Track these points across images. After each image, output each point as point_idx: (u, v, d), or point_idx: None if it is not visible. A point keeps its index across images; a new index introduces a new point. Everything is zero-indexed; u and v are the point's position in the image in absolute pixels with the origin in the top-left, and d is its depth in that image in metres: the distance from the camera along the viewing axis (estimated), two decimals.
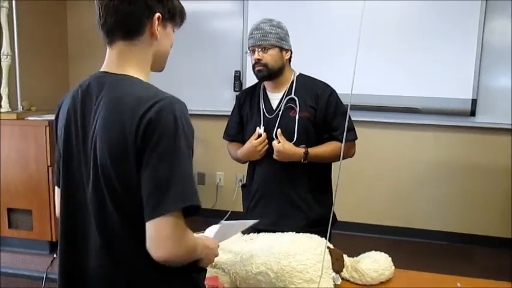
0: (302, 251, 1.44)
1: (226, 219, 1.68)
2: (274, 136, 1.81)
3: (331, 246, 1.55)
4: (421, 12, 3.31)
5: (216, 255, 1.20)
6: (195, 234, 1.28)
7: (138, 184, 0.95)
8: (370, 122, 3.46)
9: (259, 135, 1.84)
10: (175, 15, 1.10)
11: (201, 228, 1.53)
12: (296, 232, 1.59)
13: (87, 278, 1.05)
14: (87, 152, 1.01)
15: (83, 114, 1.04)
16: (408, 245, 3.41)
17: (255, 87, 1.98)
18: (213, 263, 1.32)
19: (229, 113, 2.07)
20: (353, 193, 3.50)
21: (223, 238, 1.32)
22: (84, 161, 1.02)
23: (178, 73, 3.64)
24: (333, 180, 1.96)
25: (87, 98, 1.04)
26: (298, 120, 1.82)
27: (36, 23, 3.69)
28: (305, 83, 1.89)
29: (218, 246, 1.21)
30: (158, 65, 1.12)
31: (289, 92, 1.88)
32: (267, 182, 1.91)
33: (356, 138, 1.91)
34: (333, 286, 1.43)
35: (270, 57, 1.80)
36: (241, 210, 2.04)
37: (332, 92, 1.87)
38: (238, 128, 2.00)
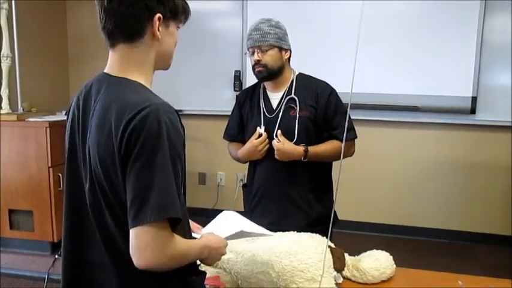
0: (303, 250, 1.44)
1: None
2: (274, 136, 1.82)
3: (333, 245, 1.56)
4: (420, 10, 3.30)
5: (223, 254, 1.20)
6: (203, 229, 1.28)
7: (123, 190, 0.95)
8: (370, 121, 3.46)
9: (260, 135, 1.84)
10: (177, 14, 1.08)
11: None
12: (297, 231, 1.59)
13: (90, 275, 1.07)
14: (85, 151, 1.03)
15: (83, 114, 1.06)
16: (409, 244, 3.41)
17: (255, 87, 1.99)
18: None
19: (230, 113, 2.07)
20: (354, 192, 3.50)
21: (235, 238, 1.33)
22: (83, 160, 1.04)
23: (179, 73, 3.63)
24: (333, 179, 1.96)
25: (88, 98, 1.05)
26: (299, 119, 1.82)
27: (36, 24, 3.69)
28: (305, 82, 1.90)
29: (226, 245, 1.20)
30: (163, 63, 1.12)
31: (289, 92, 1.88)
32: (268, 182, 1.91)
33: (356, 137, 1.91)
34: (334, 285, 1.43)
35: (269, 57, 1.80)
36: (242, 210, 2.04)
37: (332, 91, 1.87)
38: (238, 128, 2.00)
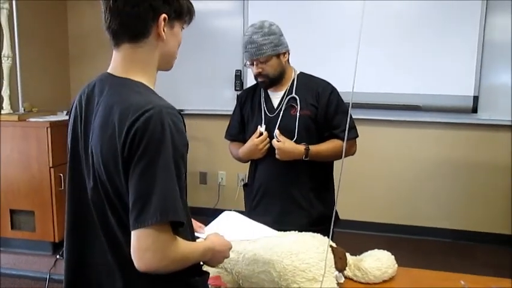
0: (305, 249, 1.44)
1: None
2: (274, 135, 1.81)
3: (334, 244, 1.55)
4: (422, 9, 3.30)
5: (226, 257, 1.20)
6: (205, 228, 1.27)
7: (126, 191, 0.95)
8: (372, 120, 3.46)
9: (261, 134, 1.84)
10: (182, 14, 1.08)
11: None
12: (298, 231, 1.59)
13: (93, 276, 1.06)
14: (87, 152, 1.02)
15: (86, 114, 1.05)
16: (411, 243, 3.40)
17: (256, 87, 1.99)
18: None
19: (231, 112, 2.07)
20: (355, 191, 3.50)
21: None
22: (86, 160, 1.03)
23: (179, 73, 3.63)
24: (334, 179, 1.96)
25: (91, 98, 1.05)
26: (299, 118, 1.82)
27: (37, 24, 3.69)
28: (306, 81, 1.89)
29: (230, 247, 1.20)
30: (166, 64, 1.11)
31: (290, 91, 1.88)
32: (269, 181, 1.91)
33: (357, 136, 1.91)
34: (335, 285, 1.43)
35: (269, 67, 1.81)
36: (243, 209, 2.04)
37: (333, 90, 1.87)
38: (239, 128, 2.00)
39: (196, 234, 1.19)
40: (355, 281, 1.53)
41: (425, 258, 3.05)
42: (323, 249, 1.43)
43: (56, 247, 2.98)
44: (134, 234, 0.92)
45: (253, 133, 1.86)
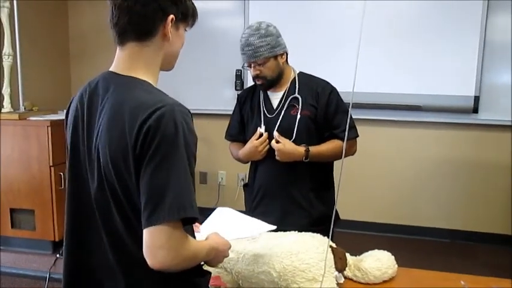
0: (305, 250, 1.43)
1: None
2: (274, 137, 1.81)
3: (334, 245, 1.55)
4: (422, 9, 3.29)
5: (226, 257, 1.20)
6: (200, 227, 1.27)
7: (136, 190, 0.94)
8: (372, 120, 3.46)
9: (261, 135, 1.83)
10: (187, 16, 1.09)
11: None
12: (299, 231, 1.59)
13: (91, 274, 1.06)
14: (91, 151, 1.01)
15: (89, 113, 1.04)
16: (411, 243, 3.40)
17: (255, 87, 1.98)
18: None
19: (231, 112, 2.06)
20: (355, 191, 3.50)
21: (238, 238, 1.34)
22: (89, 159, 1.02)
23: (180, 72, 3.59)
24: (334, 179, 1.96)
25: (94, 97, 1.04)
26: (299, 119, 1.82)
27: (38, 22, 3.69)
28: (306, 81, 1.89)
29: (230, 247, 1.21)
30: (168, 64, 1.12)
31: (290, 91, 1.87)
32: (269, 181, 1.90)
33: (357, 135, 1.90)
34: (335, 285, 1.43)
35: (267, 69, 1.80)
36: (243, 209, 2.04)
37: (332, 90, 1.86)
38: (239, 128, 2.00)
39: None
40: (355, 281, 1.53)
41: (426, 259, 3.05)
42: (323, 250, 1.43)
43: (56, 246, 2.99)
44: (147, 232, 0.92)
45: (253, 134, 1.86)
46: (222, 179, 3.91)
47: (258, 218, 1.53)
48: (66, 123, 1.13)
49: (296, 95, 1.85)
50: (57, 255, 2.91)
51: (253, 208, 1.96)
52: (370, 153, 3.35)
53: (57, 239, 2.96)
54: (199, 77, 3.77)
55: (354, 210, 3.46)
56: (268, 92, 1.92)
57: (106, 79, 1.05)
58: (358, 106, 3.27)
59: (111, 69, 1.07)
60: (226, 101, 3.61)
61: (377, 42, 3.30)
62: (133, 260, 0.98)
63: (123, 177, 0.95)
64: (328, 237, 1.44)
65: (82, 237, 1.07)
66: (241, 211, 1.61)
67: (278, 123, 1.84)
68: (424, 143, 3.49)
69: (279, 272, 1.39)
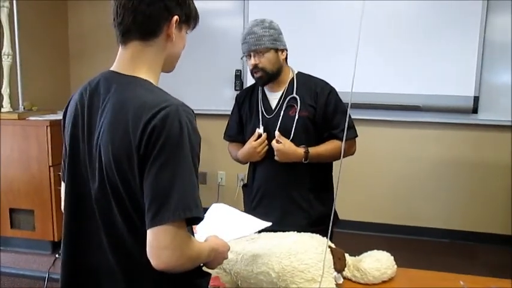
0: (304, 250, 1.43)
1: None
2: (275, 136, 1.81)
3: (333, 245, 1.55)
4: (422, 9, 3.29)
5: (225, 258, 1.20)
6: (197, 227, 1.27)
7: (139, 189, 0.94)
8: (371, 120, 3.45)
9: (259, 136, 1.83)
10: (190, 18, 1.10)
11: None
12: (298, 231, 1.59)
13: (90, 275, 1.05)
14: (91, 151, 1.01)
15: (89, 112, 1.04)
16: (410, 243, 3.40)
17: (254, 87, 1.98)
18: None
19: (230, 112, 2.06)
20: (354, 191, 3.49)
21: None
22: (89, 159, 1.02)
23: (179, 72, 3.58)
24: (334, 179, 1.96)
25: (94, 96, 1.04)
26: (297, 119, 1.81)
27: (37, 22, 3.69)
28: (304, 81, 1.89)
29: (229, 249, 1.20)
30: (169, 66, 1.12)
31: (289, 91, 1.87)
32: (268, 182, 1.90)
33: (356, 136, 1.90)
34: (334, 285, 1.42)
35: (266, 60, 1.79)
36: (243, 209, 2.04)
37: (331, 90, 1.86)
38: (238, 128, 2.00)
39: None
40: (354, 282, 1.53)
41: (425, 259, 3.05)
42: (322, 250, 1.43)
43: (56, 246, 2.98)
44: (152, 232, 0.91)
45: (251, 134, 1.86)
46: (221, 179, 3.91)
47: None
48: (64, 122, 1.13)
49: (294, 95, 1.85)
50: (57, 256, 2.91)
51: (252, 209, 1.95)
52: (370, 153, 3.35)
53: (56, 239, 2.95)
54: (198, 77, 3.77)
55: (353, 211, 3.46)
56: (267, 92, 1.92)
57: (107, 78, 1.04)
58: (357, 106, 3.28)
59: (112, 68, 1.06)
60: (226, 101, 3.61)
61: (376, 42, 3.30)
62: (133, 260, 0.97)
63: (127, 177, 0.94)
64: (327, 237, 1.44)
65: (81, 237, 1.06)
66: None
67: (279, 124, 1.83)
68: (423, 143, 3.48)
69: (278, 273, 1.39)
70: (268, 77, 1.82)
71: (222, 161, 3.77)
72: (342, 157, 1.23)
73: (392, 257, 1.59)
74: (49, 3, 3.84)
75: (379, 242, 3.17)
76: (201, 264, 1.14)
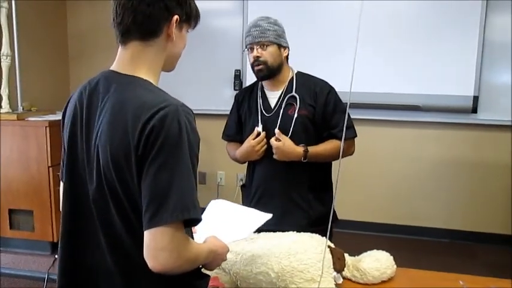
0: (303, 250, 1.43)
1: None
2: (275, 134, 1.80)
3: (332, 245, 1.55)
4: (421, 9, 3.29)
5: (224, 260, 1.19)
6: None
7: (137, 190, 0.93)
8: (371, 120, 3.45)
9: (258, 134, 1.83)
10: (191, 17, 1.09)
11: None
12: (297, 231, 1.58)
13: (88, 275, 1.05)
14: (90, 150, 1.00)
15: (88, 112, 1.03)
16: (410, 243, 3.40)
17: (253, 86, 1.98)
18: None
19: (229, 112, 2.06)
20: (354, 191, 3.49)
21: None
22: (87, 159, 1.01)
23: (179, 72, 3.58)
24: (333, 179, 1.95)
25: (94, 96, 1.03)
26: (296, 118, 1.81)
27: (36, 23, 3.69)
28: (304, 81, 1.89)
29: (228, 250, 1.20)
30: (170, 65, 1.12)
31: (288, 90, 1.87)
32: (267, 182, 1.90)
33: (355, 135, 1.90)
34: (334, 285, 1.42)
35: (269, 54, 1.79)
36: None
37: (331, 89, 1.86)
38: (236, 128, 1.99)
39: None
40: (354, 282, 1.52)
41: (424, 259, 3.05)
42: (321, 250, 1.42)
43: (55, 247, 2.98)
44: (149, 234, 0.91)
45: (250, 133, 1.85)
46: (221, 179, 3.91)
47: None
48: (64, 121, 1.12)
49: (293, 93, 1.85)
50: (56, 256, 2.88)
51: None
52: (369, 153, 3.35)
53: (55, 240, 2.95)
54: (197, 76, 3.77)
55: (352, 210, 3.46)
56: (266, 91, 1.91)
57: (107, 78, 1.04)
58: (357, 106, 3.27)
59: (112, 68, 1.06)
60: (225, 101, 3.60)
61: (375, 42, 3.30)
62: (131, 261, 0.97)
63: (125, 177, 0.94)
64: (326, 237, 1.44)
65: (79, 237, 1.06)
66: None
67: (279, 123, 1.83)
68: (423, 143, 3.48)
69: (277, 273, 1.38)
70: (269, 71, 1.81)
71: (221, 161, 3.76)
72: (340, 157, 1.23)
73: (391, 257, 1.58)
74: (48, 4, 3.83)
75: (378, 241, 3.16)
76: (200, 266, 1.14)
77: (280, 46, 1.82)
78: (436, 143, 3.46)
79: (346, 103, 1.34)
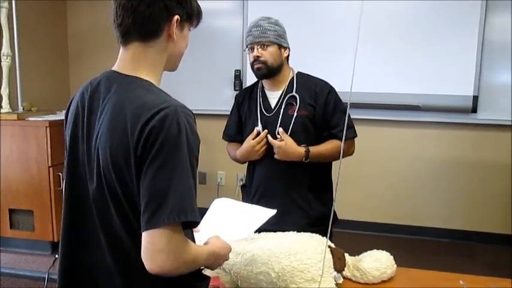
0: (303, 250, 1.43)
1: None
2: (276, 134, 1.80)
3: (333, 245, 1.55)
4: (421, 9, 3.29)
5: (226, 260, 1.19)
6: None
7: (136, 191, 0.93)
8: (371, 120, 3.45)
9: (258, 134, 1.83)
10: (192, 16, 1.08)
11: None
12: (297, 231, 1.58)
13: (87, 274, 1.05)
14: (90, 150, 1.00)
15: (89, 112, 1.03)
16: (410, 243, 3.40)
17: (253, 86, 1.98)
18: None
19: (229, 112, 2.06)
20: (354, 191, 3.49)
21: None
22: (88, 159, 1.01)
23: (179, 72, 3.58)
24: (333, 179, 1.95)
25: (95, 96, 1.03)
26: (296, 118, 1.81)
27: (37, 23, 3.69)
28: (304, 81, 1.89)
29: (230, 250, 1.19)
30: (172, 65, 1.11)
31: (288, 90, 1.87)
32: (267, 182, 1.90)
33: (356, 135, 1.90)
34: (334, 285, 1.42)
35: (269, 54, 1.79)
36: None
37: (331, 89, 1.86)
38: (237, 128, 1.99)
39: None
40: (354, 282, 1.52)
41: (425, 258, 3.05)
42: (322, 250, 1.42)
43: (55, 247, 2.98)
44: (147, 235, 0.90)
45: (251, 133, 1.85)
46: (221, 179, 3.91)
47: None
48: (66, 122, 1.12)
49: (294, 93, 1.85)
50: (56, 256, 2.88)
51: None
52: (369, 153, 3.35)
53: (56, 240, 2.95)
54: (198, 77, 3.77)
55: (352, 210, 3.46)
56: (266, 92, 1.92)
57: (108, 78, 1.04)
58: (357, 106, 3.27)
59: (114, 68, 1.06)
60: (225, 101, 3.60)
61: (375, 42, 3.30)
62: (131, 261, 0.97)
63: (124, 178, 0.94)
64: (326, 237, 1.44)
65: (79, 237, 1.06)
66: None
67: (279, 122, 1.83)
68: (423, 143, 3.48)
69: (278, 273, 1.39)
70: (268, 70, 1.81)
71: (221, 161, 3.77)
72: (341, 157, 1.23)
73: (392, 257, 1.58)
74: (48, 4, 3.83)
75: (378, 241, 3.17)
76: (201, 267, 1.14)
77: (280, 46, 1.82)
78: (436, 143, 3.46)
79: (346, 103, 1.34)
